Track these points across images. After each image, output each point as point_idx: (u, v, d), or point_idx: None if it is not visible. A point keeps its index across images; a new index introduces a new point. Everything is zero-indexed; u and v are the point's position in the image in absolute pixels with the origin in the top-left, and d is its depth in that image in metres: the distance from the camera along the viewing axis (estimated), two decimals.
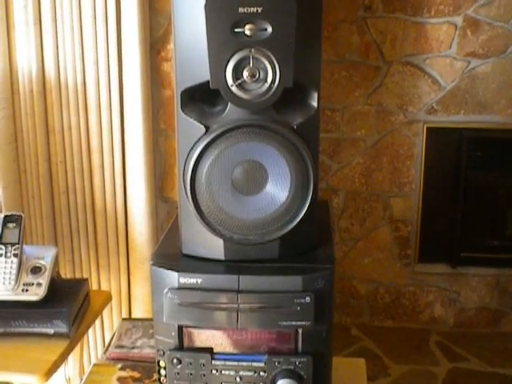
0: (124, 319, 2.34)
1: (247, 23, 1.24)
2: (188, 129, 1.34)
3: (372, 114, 3.02)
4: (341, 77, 2.99)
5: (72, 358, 2.10)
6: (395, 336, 3.18)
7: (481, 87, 2.94)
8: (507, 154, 3.07)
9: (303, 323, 1.34)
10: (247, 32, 1.25)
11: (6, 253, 1.88)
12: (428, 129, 3.01)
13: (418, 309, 3.25)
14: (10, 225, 1.93)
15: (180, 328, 1.39)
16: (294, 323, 1.34)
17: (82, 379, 1.91)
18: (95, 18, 2.53)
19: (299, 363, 1.37)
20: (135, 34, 2.55)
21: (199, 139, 1.32)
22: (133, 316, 2.88)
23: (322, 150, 3.00)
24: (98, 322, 2.85)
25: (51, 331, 1.84)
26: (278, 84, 1.28)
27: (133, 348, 1.99)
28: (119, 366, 1.89)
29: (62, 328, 1.84)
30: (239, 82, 1.28)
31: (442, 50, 2.91)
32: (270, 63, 1.27)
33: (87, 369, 1.96)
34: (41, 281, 1.86)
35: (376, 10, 2.89)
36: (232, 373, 1.39)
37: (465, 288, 3.20)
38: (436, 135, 3.03)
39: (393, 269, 3.22)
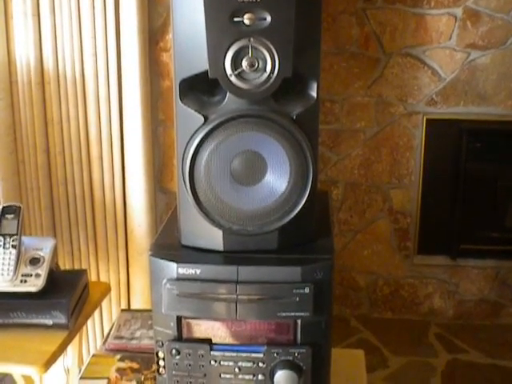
0: (123, 310, 2.34)
1: (246, 12, 1.23)
2: (187, 119, 1.34)
3: (371, 106, 3.01)
4: (340, 68, 2.98)
5: (71, 349, 2.10)
6: (394, 328, 3.18)
7: (481, 79, 2.93)
8: (507, 146, 3.06)
9: (302, 314, 1.34)
10: (246, 21, 1.24)
11: (4, 244, 1.87)
12: (428, 120, 3.01)
13: (417, 300, 3.25)
14: (9, 216, 1.92)
15: (179, 319, 1.38)
16: (292, 314, 1.34)
17: (80, 370, 1.91)
18: (93, 8, 2.52)
19: (298, 354, 1.37)
20: (134, 25, 2.54)
21: (198, 129, 1.32)
22: (132, 307, 2.88)
23: (321, 142, 2.99)
24: (96, 313, 2.85)
25: (50, 322, 1.84)
26: (277, 74, 1.27)
27: (132, 339, 1.99)
28: (118, 356, 1.89)
29: (61, 319, 1.83)
30: (238, 71, 1.27)
31: (442, 41, 2.90)
32: (269, 53, 1.26)
33: (86, 360, 1.96)
34: (39, 272, 1.86)
35: (376, 1, 2.88)
36: (231, 364, 1.39)
37: (464, 280, 3.20)
38: (436, 127, 3.02)
39: (392, 261, 3.22)
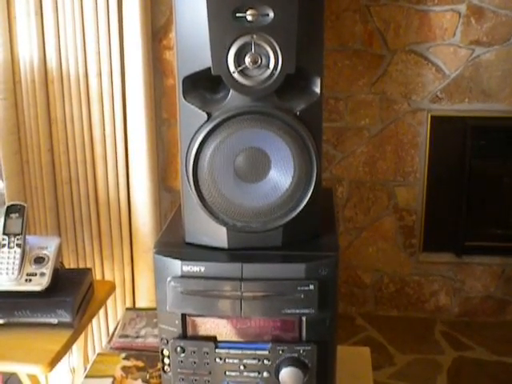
0: (128, 309, 2.33)
1: (249, 8, 1.23)
2: (190, 116, 1.33)
3: (376, 103, 3.01)
4: (344, 66, 2.97)
5: (76, 348, 2.11)
6: (400, 325, 3.18)
7: (485, 75, 2.92)
8: None
9: (307, 311, 1.33)
10: (249, 17, 1.23)
11: (9, 243, 1.88)
12: (432, 117, 3.00)
13: (422, 298, 3.25)
14: (13, 215, 1.92)
15: (183, 316, 1.38)
16: (297, 311, 1.33)
17: (86, 369, 1.91)
18: (96, 7, 2.52)
19: (303, 351, 1.37)
20: (137, 23, 2.54)
21: (201, 126, 1.31)
22: (137, 305, 2.89)
23: (325, 140, 2.99)
24: (101, 312, 2.85)
25: (55, 321, 1.84)
26: (281, 70, 1.27)
27: (137, 337, 1.99)
28: (123, 355, 1.89)
29: (66, 318, 1.84)
30: (241, 68, 1.27)
31: (446, 38, 2.89)
32: (272, 49, 1.25)
33: (91, 358, 1.96)
34: (44, 271, 1.86)
35: None
36: (236, 361, 1.38)
37: (469, 277, 3.19)
38: (440, 124, 3.02)
39: (397, 258, 3.21)
